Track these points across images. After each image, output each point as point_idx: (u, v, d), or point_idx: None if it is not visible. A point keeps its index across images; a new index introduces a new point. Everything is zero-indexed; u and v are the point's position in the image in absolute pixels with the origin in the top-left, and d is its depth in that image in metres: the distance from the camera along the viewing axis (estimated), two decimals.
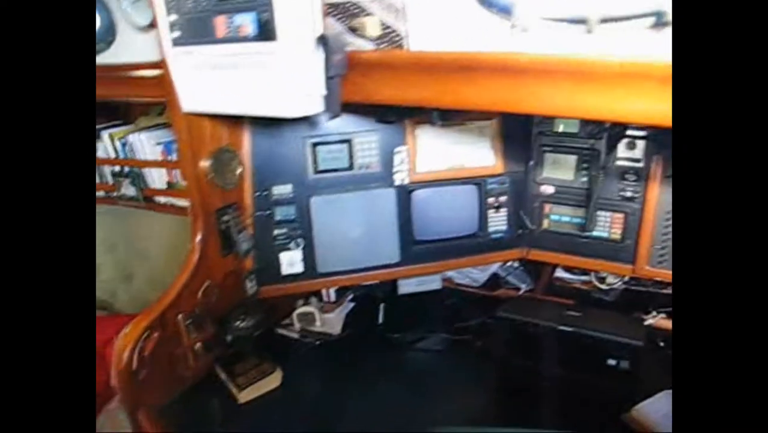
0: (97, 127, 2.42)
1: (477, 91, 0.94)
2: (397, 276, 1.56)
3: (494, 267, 1.78)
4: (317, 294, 1.65)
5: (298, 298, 1.62)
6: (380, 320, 1.57)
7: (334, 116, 1.08)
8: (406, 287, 1.63)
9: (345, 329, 1.56)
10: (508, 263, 1.76)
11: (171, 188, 2.23)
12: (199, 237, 1.32)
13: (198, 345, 1.35)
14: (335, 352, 1.49)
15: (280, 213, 1.44)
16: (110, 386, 1.69)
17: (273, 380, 1.35)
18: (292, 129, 1.42)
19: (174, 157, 2.18)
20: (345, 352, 1.49)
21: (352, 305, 1.66)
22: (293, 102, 1.06)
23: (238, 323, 1.38)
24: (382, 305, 1.58)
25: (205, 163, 1.31)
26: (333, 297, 1.67)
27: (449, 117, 1.43)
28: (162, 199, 2.28)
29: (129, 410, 1.27)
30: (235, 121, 1.37)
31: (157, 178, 2.27)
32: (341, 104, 1.07)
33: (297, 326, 1.56)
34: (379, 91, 1.04)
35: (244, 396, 1.30)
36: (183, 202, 2.21)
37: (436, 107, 1.22)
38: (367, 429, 1.21)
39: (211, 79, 1.12)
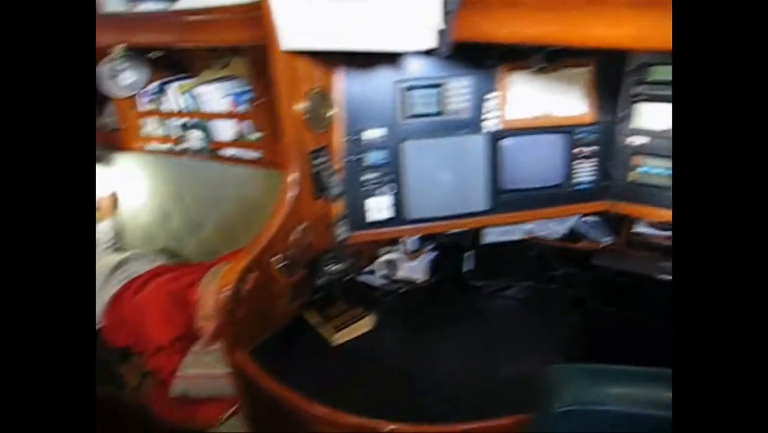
0: (163, 80, 2.43)
1: (607, 27, 0.89)
2: (484, 224, 1.54)
3: (572, 220, 1.74)
4: (399, 242, 1.64)
5: (380, 245, 1.61)
6: (465, 268, 1.55)
7: (446, 54, 1.05)
8: (490, 236, 1.61)
9: (429, 277, 1.55)
10: (586, 217, 1.72)
11: (239, 140, 2.23)
12: (293, 178, 1.32)
13: (289, 288, 1.36)
14: (420, 299, 1.49)
15: (370, 158, 1.42)
16: (194, 329, 1.74)
17: (365, 324, 1.35)
18: (384, 72, 1.39)
19: (242, 108, 2.17)
20: (430, 299, 1.48)
21: (434, 254, 1.65)
22: (410, 35, 1.03)
23: (328, 267, 1.38)
24: (466, 254, 1.56)
25: (300, 105, 1.29)
26: (415, 245, 1.66)
27: (552, 59, 1.37)
28: (229, 152, 2.28)
29: (226, 349, 1.29)
30: (328, 62, 1.34)
31: (224, 131, 2.28)
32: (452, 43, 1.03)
33: (380, 273, 1.55)
34: (498, 29, 1.00)
35: (339, 338, 1.31)
36: (250, 154, 2.21)
37: (562, 44, 1.16)
38: (455, 372, 1.21)
39: (320, 13, 1.09)
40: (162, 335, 1.69)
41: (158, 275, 1.98)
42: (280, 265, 1.31)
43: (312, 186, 1.37)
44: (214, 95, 2.22)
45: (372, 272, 1.58)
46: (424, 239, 1.69)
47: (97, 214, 2.37)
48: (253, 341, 1.32)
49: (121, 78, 2.30)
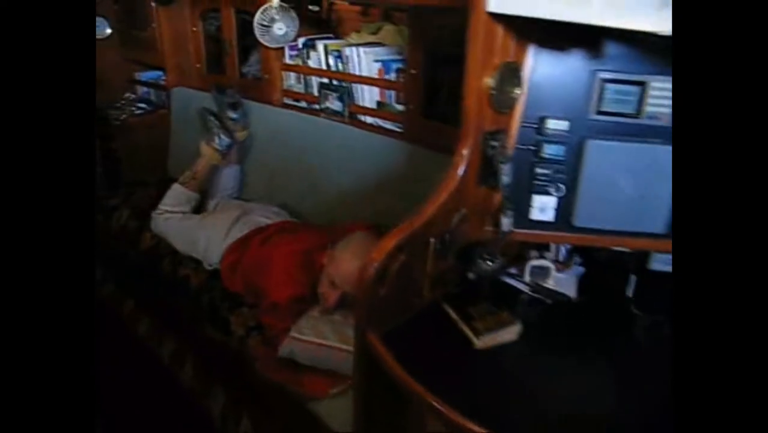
0: (312, 36, 2.38)
1: None
2: (659, 249, 1.34)
3: None
4: (548, 248, 1.48)
5: (528, 247, 1.46)
6: (630, 293, 1.37)
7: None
8: (658, 263, 1.41)
9: (581, 293, 1.38)
10: None
11: (381, 108, 2.14)
12: (465, 156, 1.19)
13: (436, 275, 1.25)
14: (573, 317, 1.32)
15: (547, 150, 1.26)
16: (315, 292, 1.68)
17: (510, 333, 1.21)
18: (579, 57, 1.22)
19: (391, 76, 2.07)
20: (584, 319, 1.31)
21: (582, 269, 1.48)
22: (647, 11, 0.86)
23: (481, 261, 1.25)
24: (633, 277, 1.37)
25: (490, 77, 1.15)
26: (563, 255, 1.49)
27: None
28: (368, 119, 2.20)
29: (357, 326, 1.20)
30: (524, 34, 1.20)
31: (368, 97, 2.19)
32: None
33: (528, 278, 1.40)
34: None
35: (482, 343, 1.18)
36: (390, 125, 2.12)
37: None
38: (602, 406, 1.06)
39: None
40: (281, 292, 1.64)
41: (284, 230, 1.94)
42: (436, 248, 1.19)
43: (480, 170, 1.23)
44: (364, 59, 2.14)
45: (515, 275, 1.43)
46: (574, 250, 1.52)
47: (225, 160, 2.36)
48: (387, 324, 1.21)
49: (275, 27, 2.27)
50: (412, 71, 1.89)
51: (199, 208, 2.38)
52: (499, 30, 1.14)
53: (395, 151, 1.97)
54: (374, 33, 2.33)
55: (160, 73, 3.04)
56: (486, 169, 1.23)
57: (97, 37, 3.03)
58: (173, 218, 2.24)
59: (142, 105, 3.11)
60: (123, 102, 3.12)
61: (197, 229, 2.12)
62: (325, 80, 2.31)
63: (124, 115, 3.00)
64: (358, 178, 2.08)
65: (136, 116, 3.04)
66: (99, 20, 3.00)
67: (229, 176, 2.44)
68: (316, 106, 2.36)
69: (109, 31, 3.05)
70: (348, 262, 1.53)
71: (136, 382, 2.25)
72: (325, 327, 1.57)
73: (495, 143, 1.21)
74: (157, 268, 2.25)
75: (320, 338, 1.54)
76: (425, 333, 1.24)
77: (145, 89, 3.24)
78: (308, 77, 2.39)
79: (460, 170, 1.19)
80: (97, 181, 3.02)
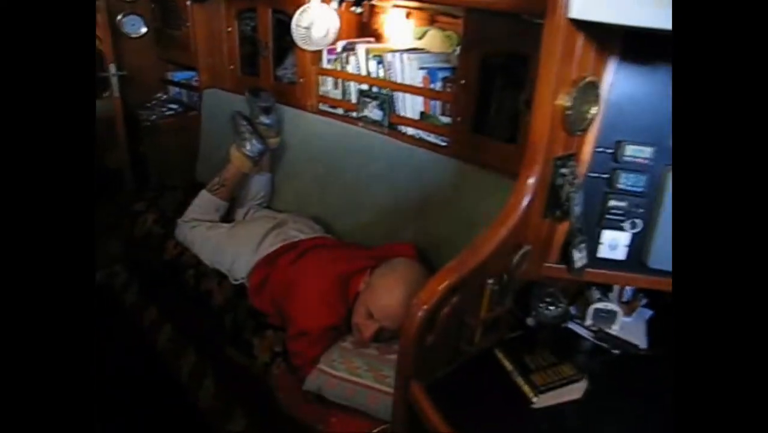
0: (352, 40, 2.24)
1: None
2: None
3: None
4: (610, 287, 1.30)
5: (595, 287, 1.29)
6: None
7: None
8: None
9: (652, 341, 1.21)
10: None
11: (424, 120, 1.99)
12: (531, 185, 1.03)
13: (490, 319, 1.09)
14: (643, 371, 1.15)
15: (623, 180, 1.09)
16: (349, 320, 1.53)
17: (574, 391, 1.04)
18: (670, 73, 1.05)
19: (436, 85, 1.92)
20: (656, 374, 1.14)
21: (651, 312, 1.30)
22: None
23: (543, 305, 1.08)
24: None
25: (566, 94, 0.99)
26: (627, 295, 1.32)
27: None
28: (410, 130, 2.05)
29: (403, 375, 1.05)
30: (605, 46, 1.03)
31: (410, 106, 2.04)
32: None
33: (590, 322, 1.23)
34: None
35: (541, 402, 1.01)
36: (433, 138, 1.96)
37: None
38: None
39: None
40: (311, 320, 1.49)
41: (317, 248, 1.80)
42: (494, 290, 1.04)
43: (547, 200, 1.07)
44: (407, 66, 1.99)
45: (574, 316, 1.27)
46: (641, 290, 1.34)
47: (256, 168, 2.24)
48: (432, 373, 1.06)
49: (313, 30, 2.14)
50: (463, 81, 1.73)
51: (227, 218, 2.26)
52: (579, 40, 0.98)
53: (439, 166, 1.81)
54: (419, 38, 2.18)
55: (192, 73, 2.94)
56: (553, 199, 1.07)
57: (133, 35, 2.96)
58: (200, 227, 2.13)
59: (173, 106, 3.02)
60: (154, 102, 3.04)
61: (225, 240, 2.00)
62: (365, 87, 2.17)
63: (154, 116, 2.92)
64: (399, 194, 1.93)
65: (167, 117, 2.94)
66: (135, 18, 2.93)
67: (259, 184, 2.32)
68: (354, 115, 2.22)
69: (144, 29, 2.96)
70: (388, 294, 1.38)
71: (151, 397, 2.14)
72: (358, 362, 1.42)
73: (565, 170, 1.05)
74: (179, 279, 2.13)
75: (353, 375, 1.40)
76: (475, 385, 1.08)
77: (177, 90, 3.14)
78: (346, 83, 2.26)
79: (525, 201, 1.03)
80: (124, 184, 2.95)
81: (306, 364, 1.49)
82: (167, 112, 2.97)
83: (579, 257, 1.06)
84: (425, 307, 0.96)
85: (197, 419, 2.02)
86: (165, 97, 3.10)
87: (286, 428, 1.65)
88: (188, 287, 2.07)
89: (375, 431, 1.34)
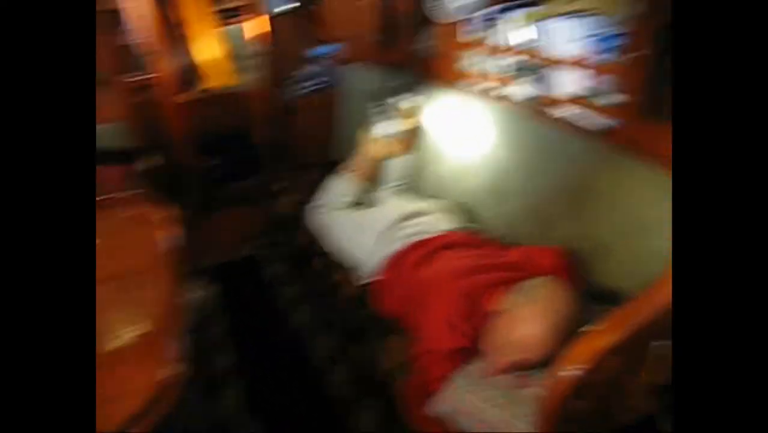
0: (499, 6, 1.96)
1: None
2: None
3: None
4: None
5: None
6: None
7: None
8: None
9: None
10: None
11: (585, 99, 1.67)
12: None
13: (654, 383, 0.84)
14: None
15: None
16: (478, 344, 1.35)
17: None
18: None
19: (601, 58, 1.60)
20: None
21: None
22: None
23: None
24: None
25: None
26: None
27: None
28: (567, 111, 1.75)
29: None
30: None
31: (568, 83, 1.74)
32: None
33: None
34: None
35: None
36: (598, 122, 1.65)
37: None
38: None
39: None
40: (439, 342, 1.34)
41: (448, 247, 1.63)
42: (659, 353, 0.79)
43: None
44: (561, 35, 1.69)
45: None
46: None
47: (392, 149, 2.10)
48: None
49: None
50: (637, 52, 1.40)
51: (362, 202, 2.17)
52: None
53: (601, 157, 1.52)
54: None
55: (332, 48, 2.87)
56: None
57: (280, 10, 2.95)
58: (333, 213, 2.06)
59: (313, 82, 2.98)
60: (294, 79, 3.03)
61: (354, 230, 1.91)
62: (513, 60, 1.89)
63: (293, 94, 2.90)
64: (550, 186, 1.67)
65: (306, 95, 2.92)
66: None
67: (397, 167, 2.18)
68: (500, 92, 1.96)
69: (288, 5, 2.94)
70: (529, 326, 1.17)
71: (286, 377, 2.15)
72: (491, 392, 1.24)
73: None
74: (312, 265, 2.10)
75: (484, 407, 1.22)
76: None
77: (318, 65, 3.10)
78: (494, 57, 2.00)
79: None
80: (263, 166, 3.01)
81: (430, 383, 1.35)
82: (307, 90, 2.94)
83: None
84: (576, 371, 0.74)
85: (327, 403, 1.99)
86: (308, 73, 3.07)
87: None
88: (319, 274, 2.03)
89: None
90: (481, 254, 1.58)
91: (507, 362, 1.22)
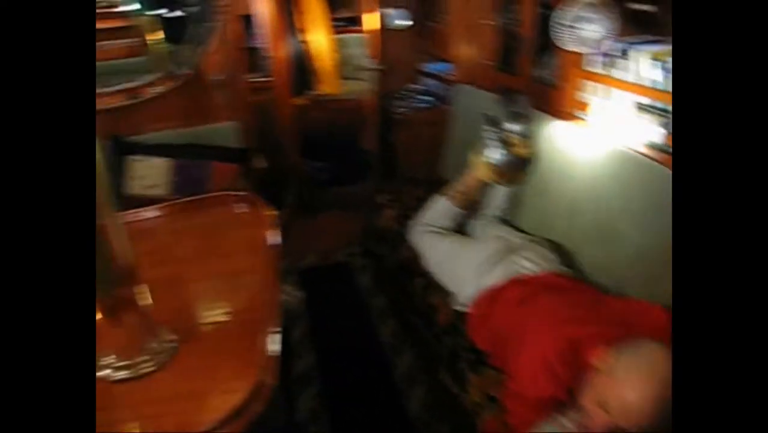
0: (631, 40, 1.88)
1: None
2: None
3: None
4: None
5: None
6: None
7: None
8: None
9: None
10: None
11: None
12: None
13: None
14: None
15: None
16: (571, 395, 1.30)
17: None
18: None
19: None
20: None
21: None
22: None
23: None
24: None
25: None
26: None
27: None
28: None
29: None
30: None
31: None
32: None
33: None
34: None
35: None
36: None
37: None
38: None
39: None
40: (532, 388, 1.30)
41: (550, 290, 1.57)
42: None
43: None
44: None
45: None
46: None
47: (499, 176, 2.07)
48: None
49: (581, 28, 1.85)
50: None
51: (462, 226, 2.16)
52: None
53: None
54: None
55: (447, 65, 2.88)
56: None
57: (398, 27, 3.00)
58: (431, 234, 2.07)
59: (426, 98, 3.01)
60: (408, 93, 3.07)
61: (452, 257, 1.90)
62: (636, 99, 1.81)
63: (406, 108, 2.94)
64: (664, 238, 1.57)
65: (417, 110, 2.95)
66: (400, 12, 2.96)
67: (501, 196, 2.15)
68: (619, 130, 1.88)
69: (407, 22, 2.99)
70: (632, 390, 1.10)
71: (363, 389, 2.18)
72: None
73: None
74: (409, 283, 2.11)
75: None
76: None
77: (430, 81, 3.13)
78: (617, 92, 1.92)
79: None
80: (370, 175, 3.07)
81: (519, 426, 1.31)
82: (419, 104, 2.98)
83: None
84: None
85: (404, 422, 2.00)
86: (419, 88, 3.11)
87: None
88: (415, 294, 2.04)
89: None
90: (584, 301, 1.50)
91: (604, 422, 1.16)
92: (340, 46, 4.42)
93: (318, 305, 2.64)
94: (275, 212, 1.65)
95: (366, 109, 3.16)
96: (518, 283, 1.64)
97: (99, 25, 2.79)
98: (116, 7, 2.75)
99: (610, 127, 1.91)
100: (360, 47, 4.39)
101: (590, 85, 2.00)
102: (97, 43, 2.82)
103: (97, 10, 2.73)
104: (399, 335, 2.40)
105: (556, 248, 1.90)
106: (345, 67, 4.49)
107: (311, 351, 2.36)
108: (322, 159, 3.70)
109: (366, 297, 2.72)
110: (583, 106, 2.04)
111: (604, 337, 1.28)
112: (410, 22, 2.96)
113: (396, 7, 2.94)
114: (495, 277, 1.70)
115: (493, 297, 1.64)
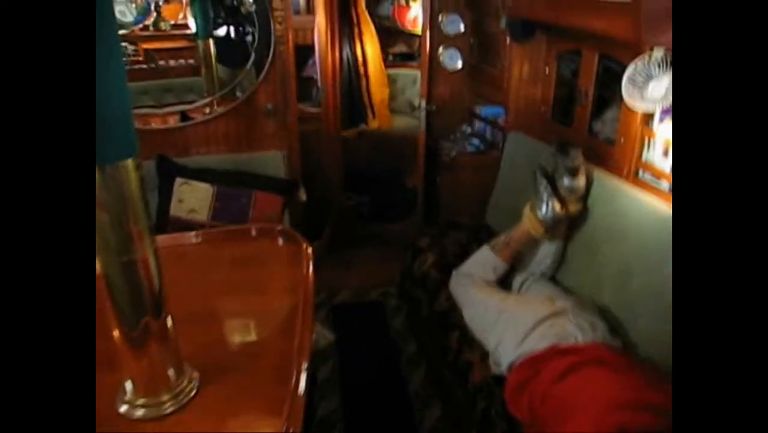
0: None
1: None
2: None
3: None
4: None
5: None
6: None
7: None
8: None
9: None
10: None
11: None
12: None
13: None
14: None
15: None
16: None
17: None
18: None
19: None
20: None
21: None
22: None
23: None
24: None
25: None
26: None
27: None
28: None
29: None
30: None
31: None
32: None
33: None
34: None
35: None
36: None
37: None
38: None
39: None
40: None
41: (596, 362, 1.45)
42: None
43: None
44: None
45: None
46: None
47: (548, 234, 1.98)
48: None
49: (650, 86, 1.77)
50: None
51: (505, 280, 2.06)
52: None
53: None
54: None
55: (500, 110, 2.82)
56: None
57: (450, 68, 2.98)
58: (473, 286, 1.97)
59: (476, 141, 2.95)
60: (458, 135, 3.02)
61: (492, 315, 1.80)
62: None
63: (454, 151, 2.89)
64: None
65: (467, 155, 2.89)
66: (453, 52, 2.93)
67: (547, 252, 2.05)
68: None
69: (461, 63, 2.96)
70: None
71: None
72: None
73: None
74: (443, 334, 2.02)
75: None
76: None
77: (482, 125, 3.07)
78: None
79: None
80: (413, 215, 3.01)
81: None
82: (468, 148, 2.92)
83: None
84: None
85: None
86: (469, 131, 3.05)
87: None
88: (450, 347, 1.94)
89: None
90: (636, 383, 1.36)
91: None
92: (393, 81, 4.46)
93: (347, 343, 2.57)
94: (313, 245, 1.61)
95: (416, 147, 3.13)
96: (563, 352, 1.52)
97: (157, 45, 2.88)
98: (174, 28, 2.83)
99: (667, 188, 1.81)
100: (413, 84, 4.40)
101: (651, 142, 1.91)
102: (158, 63, 2.90)
103: (154, 31, 2.82)
104: (428, 386, 2.29)
105: (604, 313, 1.77)
106: (396, 103, 4.52)
107: (336, 392, 2.28)
108: (365, 193, 3.67)
109: (397, 341, 2.62)
110: (641, 166, 1.95)
111: (656, 426, 1.16)
112: (463, 63, 2.93)
113: (452, 47, 2.92)
114: (538, 342, 1.59)
115: (535, 365, 1.52)
